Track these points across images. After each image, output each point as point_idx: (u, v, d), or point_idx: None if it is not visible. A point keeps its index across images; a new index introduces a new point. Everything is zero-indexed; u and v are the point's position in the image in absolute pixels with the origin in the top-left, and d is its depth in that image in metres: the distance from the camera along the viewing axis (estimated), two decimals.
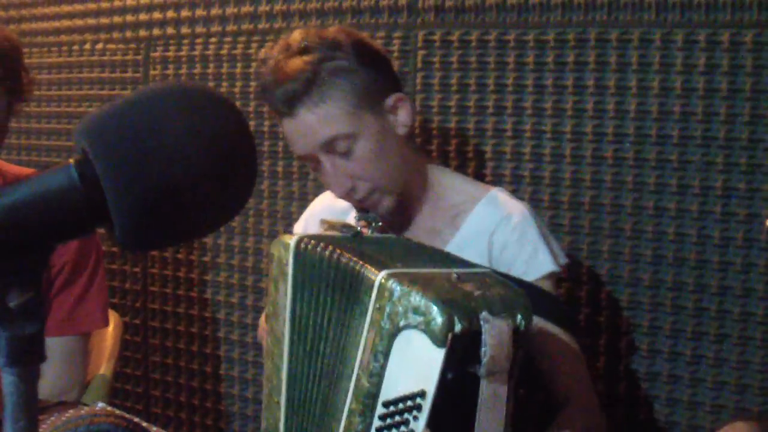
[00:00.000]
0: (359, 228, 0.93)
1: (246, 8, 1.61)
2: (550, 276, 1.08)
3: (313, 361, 0.85)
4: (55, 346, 1.14)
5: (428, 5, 1.40)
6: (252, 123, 1.61)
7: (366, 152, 1.04)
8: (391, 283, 0.75)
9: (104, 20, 1.80)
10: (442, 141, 1.40)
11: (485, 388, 0.71)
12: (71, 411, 0.95)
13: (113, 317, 1.52)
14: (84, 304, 1.19)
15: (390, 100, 1.06)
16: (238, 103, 1.62)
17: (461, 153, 1.38)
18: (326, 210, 1.22)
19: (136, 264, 1.79)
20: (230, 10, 1.63)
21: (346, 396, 0.80)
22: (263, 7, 1.58)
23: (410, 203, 1.11)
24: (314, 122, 1.02)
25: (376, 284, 0.76)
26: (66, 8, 1.86)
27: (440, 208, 1.12)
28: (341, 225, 0.95)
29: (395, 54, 1.43)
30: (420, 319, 0.72)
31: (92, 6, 1.82)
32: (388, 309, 0.74)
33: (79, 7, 1.84)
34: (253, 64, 1.61)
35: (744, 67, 1.17)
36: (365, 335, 0.77)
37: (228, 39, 1.63)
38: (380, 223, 0.99)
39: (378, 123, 1.05)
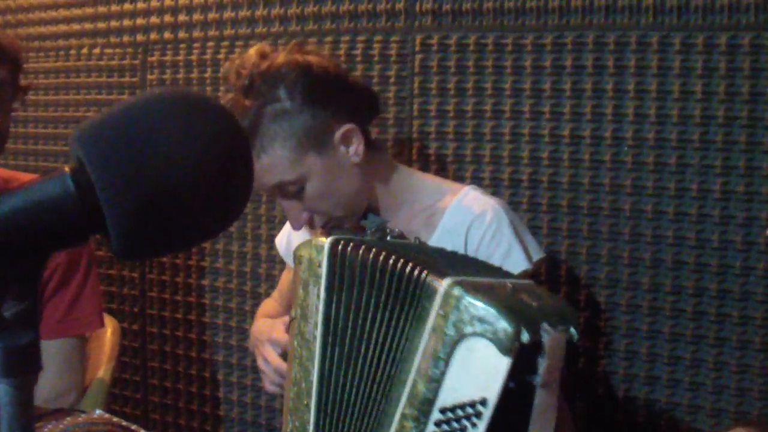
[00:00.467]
0: (368, 233, 0.94)
1: (243, 12, 1.61)
2: (524, 274, 1.07)
3: (352, 363, 0.85)
4: (50, 349, 1.14)
5: (425, 9, 1.40)
6: None
7: (315, 191, 1.04)
8: (457, 291, 0.76)
9: (101, 25, 1.80)
10: (439, 145, 1.40)
11: (539, 397, 0.72)
12: (68, 418, 0.94)
13: (111, 322, 1.52)
14: (78, 306, 1.19)
15: (338, 134, 1.04)
16: None
17: (459, 157, 1.38)
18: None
19: (134, 269, 1.78)
20: (227, 14, 1.63)
21: (396, 400, 0.80)
22: (260, 12, 1.58)
23: (384, 213, 1.11)
24: (258, 170, 1.02)
25: (441, 291, 0.77)
26: (63, 13, 1.86)
27: (415, 211, 1.12)
28: (349, 229, 0.96)
29: (392, 58, 1.43)
30: (487, 327, 0.73)
31: (89, 11, 1.82)
32: (453, 316, 0.75)
33: (76, 11, 1.84)
34: None
35: (742, 70, 1.17)
36: (425, 341, 0.78)
37: (225, 43, 1.63)
38: (397, 230, 1.00)
39: (325, 160, 1.04)
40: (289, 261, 1.28)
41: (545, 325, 0.73)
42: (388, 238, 0.97)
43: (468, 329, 0.74)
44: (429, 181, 1.16)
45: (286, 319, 1.06)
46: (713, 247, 1.21)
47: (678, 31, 1.21)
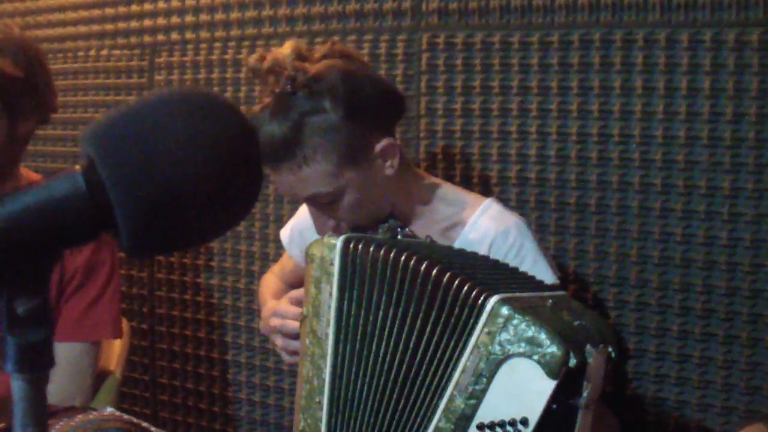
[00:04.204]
0: (380, 232, 0.94)
1: (249, 13, 1.61)
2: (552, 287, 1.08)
3: (364, 360, 0.85)
4: (61, 352, 1.14)
5: (432, 8, 1.40)
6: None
7: (349, 204, 1.03)
8: (506, 311, 0.76)
9: (109, 27, 1.81)
10: (447, 144, 1.40)
11: (581, 418, 0.74)
12: (80, 416, 0.95)
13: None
14: (94, 312, 1.18)
15: (378, 149, 1.03)
16: (242, 108, 1.62)
17: (466, 156, 1.38)
18: (309, 221, 1.23)
19: (143, 269, 1.79)
20: (234, 14, 1.63)
21: (427, 411, 0.80)
22: (267, 12, 1.59)
23: (402, 221, 1.10)
24: (295, 182, 1.01)
25: (488, 309, 0.77)
26: (71, 15, 1.87)
27: (432, 221, 1.11)
28: (361, 228, 0.97)
29: (399, 57, 1.43)
30: (536, 350, 0.73)
31: (97, 13, 1.83)
32: (500, 336, 0.75)
33: (84, 13, 1.85)
34: None
35: (750, 66, 1.17)
36: (467, 356, 0.78)
37: (232, 44, 1.64)
38: (407, 229, 1.00)
39: (362, 174, 1.02)
40: (292, 250, 1.29)
41: (589, 347, 0.73)
42: (399, 237, 0.97)
43: (515, 349, 0.74)
44: (450, 191, 1.15)
45: (293, 292, 1.06)
46: (722, 244, 1.20)
47: (685, 28, 1.20)
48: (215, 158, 0.43)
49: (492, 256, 1.07)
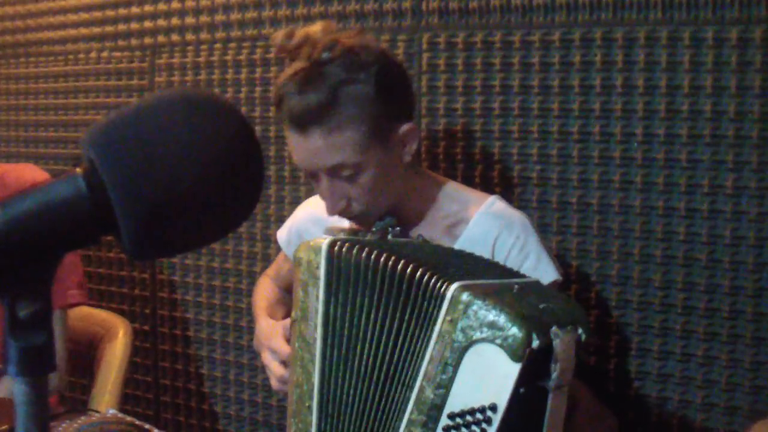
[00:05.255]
0: (369, 233, 0.93)
1: (249, 14, 1.61)
2: (554, 284, 1.08)
3: (350, 363, 0.85)
4: None
5: (432, 8, 1.40)
6: (258, 128, 1.61)
7: (368, 181, 1.03)
8: (466, 297, 0.75)
9: (109, 29, 1.81)
10: (448, 144, 1.40)
11: (552, 400, 0.72)
12: (82, 418, 0.95)
13: (123, 323, 1.53)
14: (60, 280, 1.21)
15: (401, 131, 1.05)
16: (243, 109, 1.62)
17: (468, 155, 1.38)
18: (310, 219, 1.23)
19: (145, 270, 1.79)
20: (234, 16, 1.63)
21: (402, 404, 0.79)
22: (267, 12, 1.59)
23: (407, 218, 1.11)
24: (323, 147, 1.01)
25: (449, 296, 0.76)
26: (71, 17, 1.87)
27: (437, 218, 1.11)
28: (351, 230, 0.96)
29: (400, 57, 1.43)
30: (497, 333, 0.72)
31: (97, 14, 1.83)
32: (461, 322, 0.75)
33: (84, 15, 1.85)
34: (258, 70, 1.61)
35: (753, 63, 1.16)
36: (432, 346, 0.77)
37: (232, 45, 1.64)
38: (398, 228, 0.99)
39: (385, 155, 1.03)
40: (290, 251, 1.29)
41: (555, 329, 0.72)
42: (390, 236, 0.96)
43: (477, 335, 0.73)
44: (454, 188, 1.15)
45: (286, 322, 1.06)
46: (725, 243, 1.20)
47: (687, 26, 1.20)
48: (216, 159, 0.43)
49: (496, 253, 1.07)
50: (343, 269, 0.85)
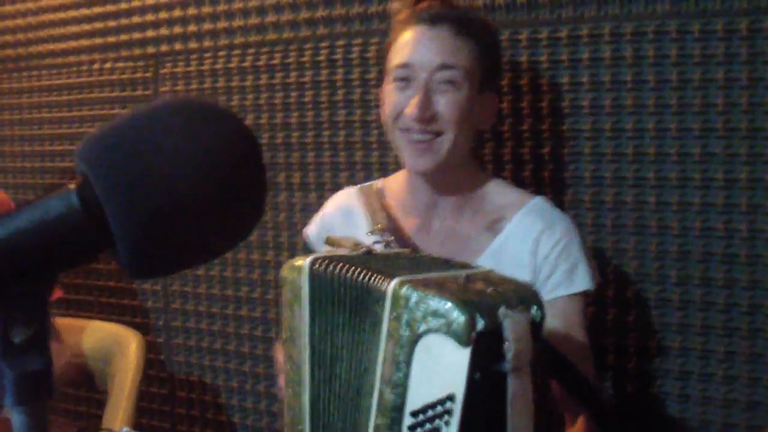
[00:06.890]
0: (371, 245, 0.92)
1: (252, 20, 1.60)
2: (585, 294, 1.07)
3: (333, 385, 0.83)
4: None
5: None
6: (265, 135, 1.60)
7: (461, 100, 1.06)
8: (405, 290, 0.73)
9: (111, 39, 1.80)
10: None
11: (512, 384, 0.69)
12: None
13: (135, 337, 1.52)
14: None
15: (490, 96, 1.13)
16: (250, 116, 1.61)
17: (479, 157, 1.37)
18: (340, 211, 1.21)
19: (157, 282, 1.78)
20: (237, 22, 1.62)
21: (367, 412, 0.78)
22: (270, 18, 1.57)
23: (450, 209, 1.12)
24: (447, 42, 1.06)
25: (389, 293, 0.74)
26: (73, 29, 1.86)
27: (480, 213, 1.12)
28: (352, 243, 0.94)
29: None
30: (441, 321, 0.70)
31: (99, 25, 1.82)
32: (405, 316, 0.73)
33: (86, 27, 1.84)
34: (264, 76, 1.60)
35: (764, 54, 1.15)
36: (383, 347, 0.75)
37: (237, 52, 1.63)
38: (392, 237, 0.98)
39: (479, 96, 1.09)
40: (320, 245, 1.27)
41: (503, 309, 0.69)
42: (382, 247, 0.94)
43: (422, 327, 0.71)
44: (502, 186, 1.16)
45: None
46: (742, 237, 1.18)
47: (696, 19, 1.18)
48: (214, 169, 0.41)
49: (538, 252, 1.07)
50: (323, 288, 0.84)
